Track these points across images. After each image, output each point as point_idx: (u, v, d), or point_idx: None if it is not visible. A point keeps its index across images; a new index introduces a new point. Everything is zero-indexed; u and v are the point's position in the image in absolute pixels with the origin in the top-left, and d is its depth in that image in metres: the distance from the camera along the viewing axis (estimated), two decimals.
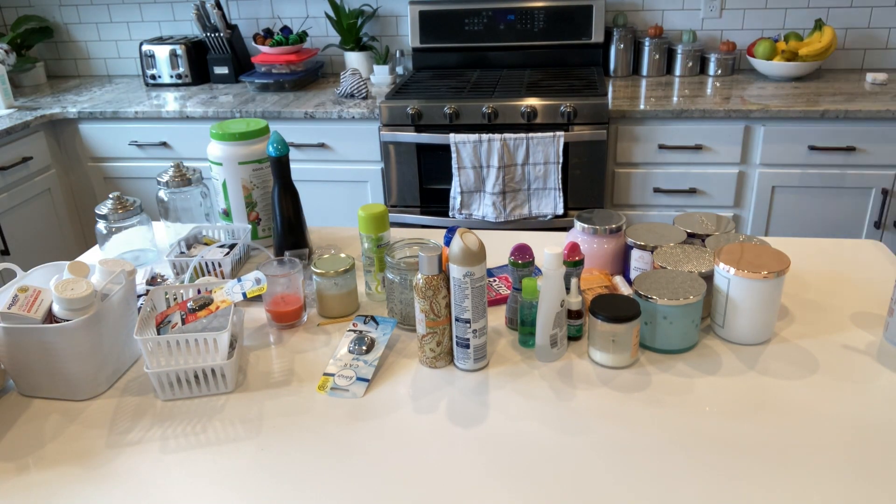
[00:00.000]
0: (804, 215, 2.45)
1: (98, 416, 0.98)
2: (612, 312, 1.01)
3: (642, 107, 2.36)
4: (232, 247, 1.35)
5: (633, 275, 1.21)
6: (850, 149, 2.31)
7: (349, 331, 1.11)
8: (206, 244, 1.39)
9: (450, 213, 2.46)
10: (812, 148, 2.33)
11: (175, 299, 1.13)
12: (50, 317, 1.01)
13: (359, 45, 2.93)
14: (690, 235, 1.23)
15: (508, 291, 1.24)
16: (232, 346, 1.05)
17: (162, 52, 2.92)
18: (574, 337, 1.10)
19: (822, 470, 0.84)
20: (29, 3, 3.18)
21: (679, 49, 2.76)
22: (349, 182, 2.61)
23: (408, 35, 3.01)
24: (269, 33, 2.89)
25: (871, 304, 1.19)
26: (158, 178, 1.42)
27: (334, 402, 0.99)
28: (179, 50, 2.91)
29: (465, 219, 2.47)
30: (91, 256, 1.45)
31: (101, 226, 1.37)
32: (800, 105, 2.31)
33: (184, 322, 1.04)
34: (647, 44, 2.77)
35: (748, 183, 2.44)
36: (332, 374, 1.04)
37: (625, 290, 1.17)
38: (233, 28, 2.95)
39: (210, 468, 0.87)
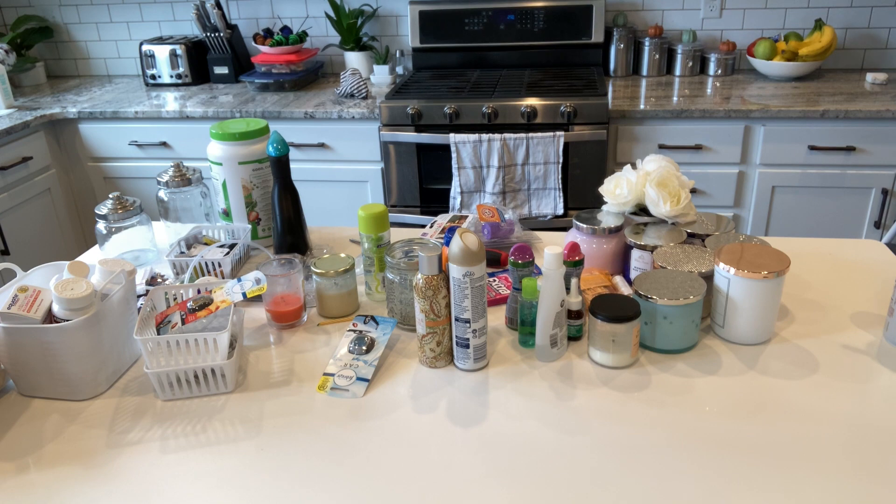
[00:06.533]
0: (804, 215, 2.45)
1: (98, 416, 0.98)
2: (612, 312, 1.01)
3: (642, 107, 2.36)
4: (232, 247, 1.35)
5: (633, 275, 1.21)
6: (850, 149, 2.31)
7: (349, 331, 1.11)
8: (206, 244, 1.39)
9: (450, 214, 2.46)
10: (812, 148, 2.33)
11: (175, 299, 1.12)
12: (50, 317, 1.01)
13: (359, 45, 2.93)
14: (690, 235, 1.23)
15: (508, 291, 1.24)
16: (232, 346, 1.05)
17: (162, 52, 2.92)
18: (574, 337, 1.10)
19: (822, 470, 0.84)
20: (29, 3, 3.18)
21: (679, 49, 2.76)
22: (349, 182, 2.61)
23: (408, 35, 3.00)
24: (269, 33, 2.89)
25: (871, 304, 1.19)
26: (158, 178, 1.42)
27: (334, 402, 0.99)
28: (179, 50, 2.91)
29: None
30: (91, 256, 1.45)
31: (101, 226, 1.37)
32: (800, 105, 2.31)
33: (184, 322, 1.04)
34: (647, 44, 2.77)
35: (748, 183, 2.44)
36: (332, 374, 1.04)
37: (625, 290, 1.17)
38: (233, 28, 2.95)
39: (210, 468, 0.87)
